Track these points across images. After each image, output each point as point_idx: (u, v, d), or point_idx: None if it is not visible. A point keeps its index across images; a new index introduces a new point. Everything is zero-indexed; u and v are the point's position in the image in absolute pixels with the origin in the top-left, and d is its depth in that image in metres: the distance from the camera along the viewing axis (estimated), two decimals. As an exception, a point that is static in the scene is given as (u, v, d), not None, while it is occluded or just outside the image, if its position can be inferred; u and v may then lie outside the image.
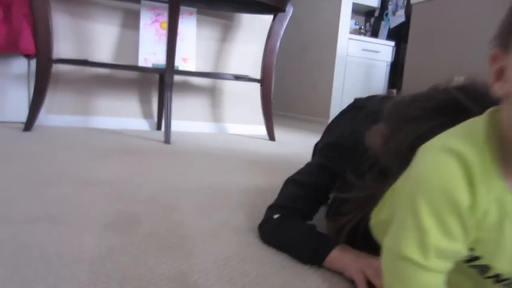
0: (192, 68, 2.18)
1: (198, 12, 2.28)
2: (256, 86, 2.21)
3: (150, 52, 2.10)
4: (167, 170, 1.27)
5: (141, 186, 1.05)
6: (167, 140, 1.79)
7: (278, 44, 2.16)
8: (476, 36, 2.22)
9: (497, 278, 0.40)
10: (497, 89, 0.35)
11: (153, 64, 2.08)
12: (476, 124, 0.39)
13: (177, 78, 2.25)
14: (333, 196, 0.72)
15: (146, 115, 2.29)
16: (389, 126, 0.54)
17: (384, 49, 3.96)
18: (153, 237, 0.70)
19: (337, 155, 0.72)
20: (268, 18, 2.23)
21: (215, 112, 2.45)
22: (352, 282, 0.58)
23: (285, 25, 2.18)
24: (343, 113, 0.86)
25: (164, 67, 1.87)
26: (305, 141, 2.26)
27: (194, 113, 2.38)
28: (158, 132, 2.18)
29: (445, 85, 0.52)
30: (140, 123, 2.26)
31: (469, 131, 0.39)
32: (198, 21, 2.28)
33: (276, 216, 0.70)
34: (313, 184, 0.72)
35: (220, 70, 2.41)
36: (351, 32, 4.02)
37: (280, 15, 2.13)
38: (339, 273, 0.60)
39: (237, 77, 2.11)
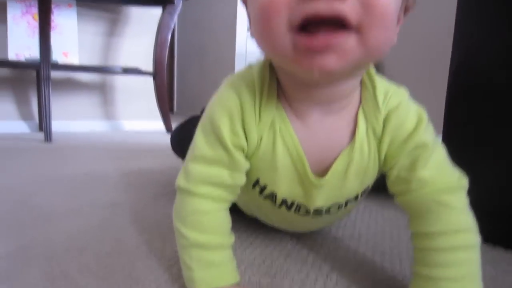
0: (75, 63, 2.02)
1: (79, 5, 2.12)
2: (150, 81, 2.13)
3: (23, 46, 1.89)
4: (39, 163, 1.15)
5: None
6: (47, 137, 1.62)
7: (169, 37, 2.11)
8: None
9: (286, 205, 0.42)
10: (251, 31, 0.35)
11: (26, 59, 1.88)
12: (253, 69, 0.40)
13: (59, 74, 2.06)
14: None
15: (25, 116, 2.06)
16: None
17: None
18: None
19: None
20: (158, 11, 2.17)
21: (107, 110, 2.30)
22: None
23: (175, 17, 2.14)
24: None
25: (38, 61, 1.69)
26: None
27: (82, 111, 2.20)
28: (40, 133, 1.97)
29: None
30: (18, 126, 2.02)
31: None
32: (79, 14, 2.12)
33: None
34: None
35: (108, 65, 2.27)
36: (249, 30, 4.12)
37: (169, 7, 2.08)
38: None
39: (126, 70, 2.00)
